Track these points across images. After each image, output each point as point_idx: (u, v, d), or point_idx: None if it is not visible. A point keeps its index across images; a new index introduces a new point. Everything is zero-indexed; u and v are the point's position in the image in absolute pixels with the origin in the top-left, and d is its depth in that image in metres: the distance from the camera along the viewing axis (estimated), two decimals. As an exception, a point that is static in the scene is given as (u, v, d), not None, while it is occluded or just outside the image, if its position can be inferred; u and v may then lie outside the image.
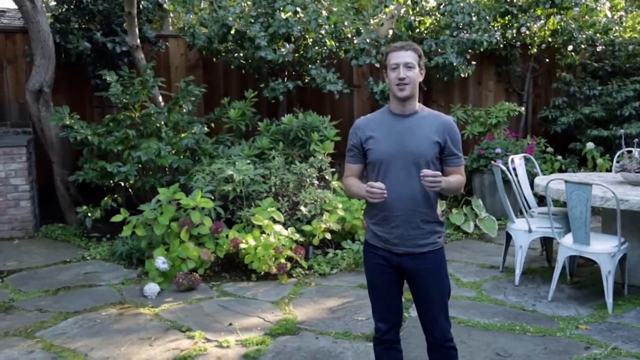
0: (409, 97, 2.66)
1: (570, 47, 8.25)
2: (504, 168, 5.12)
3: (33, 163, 6.69)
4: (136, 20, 6.54)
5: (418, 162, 2.62)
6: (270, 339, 3.92)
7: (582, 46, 8.28)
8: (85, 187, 6.50)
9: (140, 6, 7.02)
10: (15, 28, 7.26)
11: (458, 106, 8.09)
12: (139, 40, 6.63)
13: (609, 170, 7.30)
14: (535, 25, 8.08)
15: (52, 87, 6.46)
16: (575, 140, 8.20)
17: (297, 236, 5.31)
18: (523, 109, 8.17)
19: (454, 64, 7.29)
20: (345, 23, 6.94)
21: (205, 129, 6.57)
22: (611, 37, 8.46)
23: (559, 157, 7.82)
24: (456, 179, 2.70)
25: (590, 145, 7.69)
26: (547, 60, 8.58)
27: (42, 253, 5.87)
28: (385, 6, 7.54)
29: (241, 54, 7.03)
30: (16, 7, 6.49)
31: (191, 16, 7.24)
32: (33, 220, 6.45)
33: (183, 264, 4.98)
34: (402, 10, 7.91)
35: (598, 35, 8.32)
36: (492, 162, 6.67)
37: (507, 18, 8.06)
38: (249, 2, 6.95)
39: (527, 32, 8.04)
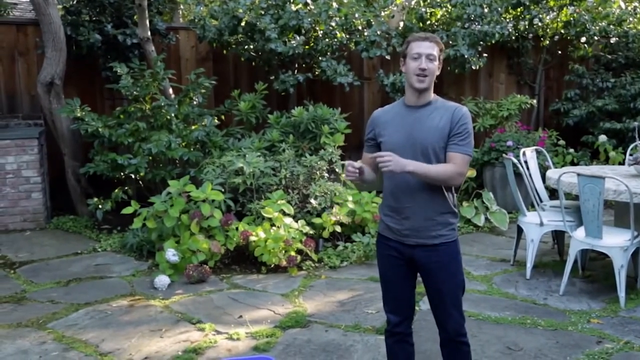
0: (426, 89, 2.65)
1: (583, 39, 8.16)
2: (515, 161, 5.08)
3: (44, 155, 6.72)
4: (146, 12, 6.53)
5: (426, 153, 2.61)
6: (280, 331, 3.92)
7: (595, 38, 8.18)
8: (96, 179, 6.52)
9: (151, -2, 7.03)
10: (27, 20, 7.28)
11: (469, 99, 8.04)
12: (149, 33, 6.63)
13: (621, 163, 7.23)
14: (547, 17, 7.99)
15: (63, 80, 6.47)
16: (587, 133, 8.13)
17: (307, 229, 5.31)
18: (535, 101, 8.10)
19: (465, 56, 7.23)
20: (356, 15, 6.90)
21: (216, 121, 6.57)
22: (625, 28, 8.35)
23: (571, 150, 7.76)
24: (438, 166, 2.58)
25: (602, 138, 7.62)
26: (560, 52, 8.50)
27: (54, 245, 5.91)
28: (396, -2, 7.49)
29: (251, 46, 7.02)
30: (28, -1, 6.52)
31: (201, 8, 7.21)
32: (44, 212, 6.49)
33: (193, 256, 4.99)
34: (413, 2, 7.86)
35: (611, 26, 8.21)
36: (504, 154, 6.62)
37: (519, 10, 7.98)
38: (259, -6, 6.93)
39: (540, 24, 7.96)
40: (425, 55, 2.60)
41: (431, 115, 2.65)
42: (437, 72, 2.68)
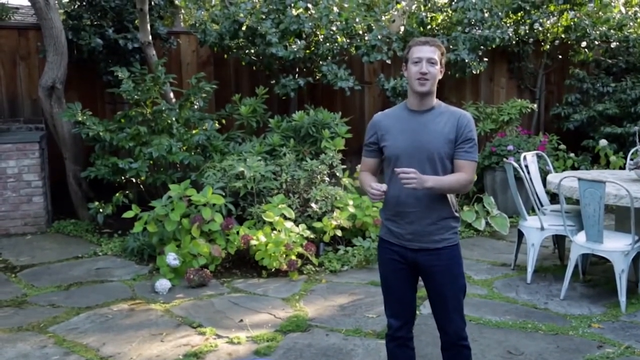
0: (428, 92, 2.64)
1: (583, 44, 8.18)
2: (516, 165, 5.09)
3: (45, 159, 6.73)
4: (148, 16, 6.55)
5: (432, 158, 2.61)
6: (280, 335, 3.92)
7: (596, 42, 8.20)
8: (97, 183, 6.53)
9: (152, 3, 7.04)
10: (28, 25, 7.29)
11: (470, 103, 8.04)
12: (150, 37, 6.65)
13: (622, 167, 7.23)
14: (548, 22, 8.01)
15: (64, 84, 6.48)
16: (588, 137, 8.13)
17: (307, 233, 5.31)
18: (535, 106, 8.09)
19: (466, 60, 7.24)
20: (357, 19, 6.92)
21: (217, 125, 6.57)
22: (625, 33, 8.36)
23: (572, 155, 7.76)
24: (452, 178, 2.61)
25: (603, 142, 7.62)
26: (560, 56, 8.51)
27: (55, 248, 5.91)
28: (397, 2, 7.50)
29: (252, 51, 7.03)
30: (29, 4, 6.53)
31: (202, 13, 7.25)
32: (45, 215, 6.49)
33: (194, 260, 5.00)
34: (414, 7, 7.88)
35: (612, 31, 8.23)
36: (504, 159, 6.63)
37: (519, 14, 8.00)
38: (260, -1, 6.95)
39: (540, 29, 7.97)
40: (426, 59, 2.61)
41: (435, 120, 2.65)
42: (440, 76, 2.68)
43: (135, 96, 6.19)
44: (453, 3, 7.69)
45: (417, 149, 2.62)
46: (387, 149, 2.70)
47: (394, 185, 2.67)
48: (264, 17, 6.67)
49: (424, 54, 2.61)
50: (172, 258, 4.91)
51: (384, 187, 2.58)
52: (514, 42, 8.04)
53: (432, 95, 2.68)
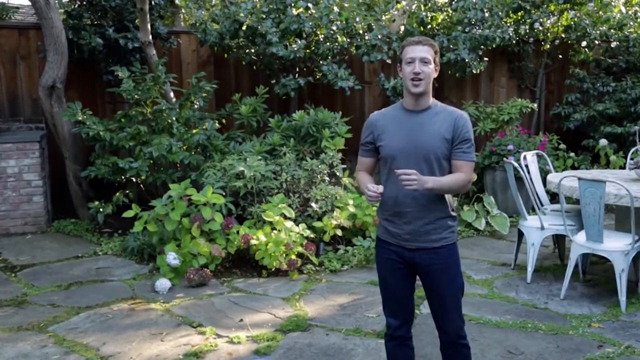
0: (423, 92, 2.64)
1: (584, 43, 8.17)
2: (516, 165, 5.09)
3: (46, 159, 6.73)
4: (148, 16, 6.55)
5: (429, 158, 2.61)
6: (281, 335, 3.92)
7: (596, 42, 8.20)
8: (97, 183, 6.53)
9: (152, 2, 7.04)
10: (29, 24, 7.30)
11: (470, 103, 8.04)
12: (150, 37, 6.65)
13: (622, 167, 7.24)
14: (548, 21, 8.01)
15: (64, 83, 6.49)
16: (588, 137, 8.13)
17: (307, 232, 5.31)
18: (535, 105, 8.09)
19: (466, 60, 7.24)
20: (357, 19, 6.92)
21: (217, 125, 6.57)
22: (625, 32, 8.36)
23: (572, 154, 7.76)
24: (451, 178, 2.61)
25: (603, 142, 7.62)
26: (560, 56, 8.51)
27: (55, 248, 5.91)
28: (397, 2, 7.50)
29: (252, 50, 7.03)
30: (30, 3, 6.53)
31: (203, 12, 7.24)
32: (46, 215, 6.50)
33: (194, 259, 5.00)
34: (414, 6, 7.87)
35: (612, 31, 8.23)
36: (504, 158, 6.63)
37: (520, 14, 8.00)
38: (260, -2, 6.95)
39: (540, 28, 7.97)
40: (419, 59, 2.59)
41: (432, 119, 2.65)
42: (435, 75, 2.66)
43: (136, 95, 6.19)
44: (453, 3, 7.68)
45: (414, 148, 2.62)
46: (384, 149, 2.70)
47: (391, 185, 2.67)
48: (264, 16, 6.67)
49: (416, 54, 2.60)
50: (172, 257, 4.91)
51: (380, 188, 2.58)
52: (514, 42, 8.03)
53: (428, 94, 2.67)
